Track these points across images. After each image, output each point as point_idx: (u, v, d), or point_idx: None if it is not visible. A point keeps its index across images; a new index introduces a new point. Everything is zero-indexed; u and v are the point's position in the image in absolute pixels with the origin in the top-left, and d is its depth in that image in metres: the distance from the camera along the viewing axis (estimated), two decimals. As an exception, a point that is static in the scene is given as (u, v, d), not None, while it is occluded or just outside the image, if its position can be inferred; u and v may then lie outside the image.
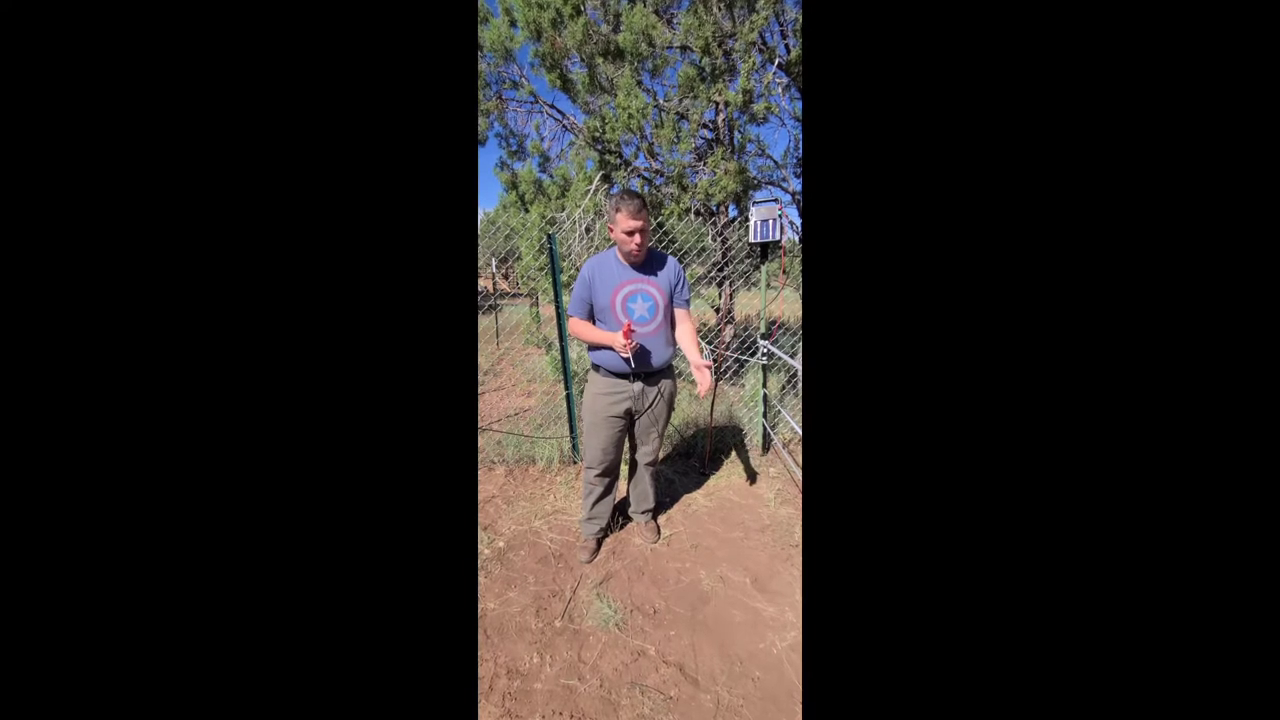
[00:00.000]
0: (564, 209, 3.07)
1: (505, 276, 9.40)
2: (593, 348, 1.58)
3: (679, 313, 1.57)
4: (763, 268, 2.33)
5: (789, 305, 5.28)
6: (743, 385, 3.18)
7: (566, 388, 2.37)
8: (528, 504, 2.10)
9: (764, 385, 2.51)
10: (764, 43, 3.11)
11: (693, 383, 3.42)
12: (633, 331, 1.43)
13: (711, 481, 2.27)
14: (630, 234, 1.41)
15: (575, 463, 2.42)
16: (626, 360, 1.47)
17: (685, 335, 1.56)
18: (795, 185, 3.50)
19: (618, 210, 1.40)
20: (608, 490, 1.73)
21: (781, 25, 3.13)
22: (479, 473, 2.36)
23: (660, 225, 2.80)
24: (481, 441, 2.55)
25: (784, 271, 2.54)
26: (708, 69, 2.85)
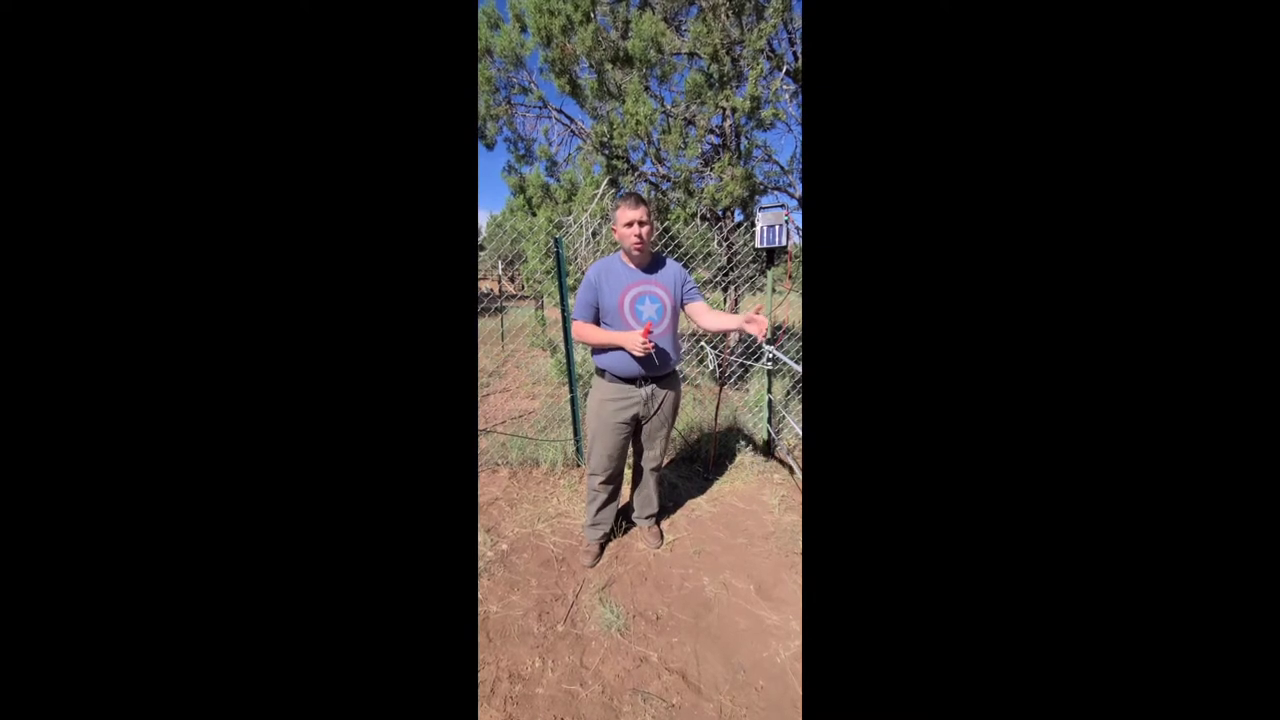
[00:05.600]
0: (571, 213, 3.09)
1: (511, 279, 9.45)
2: (597, 352, 1.58)
3: (695, 305, 1.55)
4: (768, 273, 2.33)
5: (794, 310, 5.27)
6: (747, 390, 3.16)
7: (571, 390, 2.37)
8: (531, 507, 2.10)
9: (769, 390, 2.50)
10: (772, 50, 3.13)
11: (697, 386, 3.43)
12: (652, 332, 1.42)
13: (715, 487, 2.26)
14: (629, 225, 1.43)
15: (579, 466, 2.41)
16: (645, 359, 1.44)
17: (714, 318, 1.51)
18: (801, 190, 3.50)
19: (616, 208, 1.47)
20: (612, 496, 1.73)
21: (790, 33, 3.14)
22: (483, 475, 2.36)
23: (666, 230, 2.81)
24: (486, 443, 2.56)
25: (790, 277, 2.54)
26: (715, 75, 2.86)
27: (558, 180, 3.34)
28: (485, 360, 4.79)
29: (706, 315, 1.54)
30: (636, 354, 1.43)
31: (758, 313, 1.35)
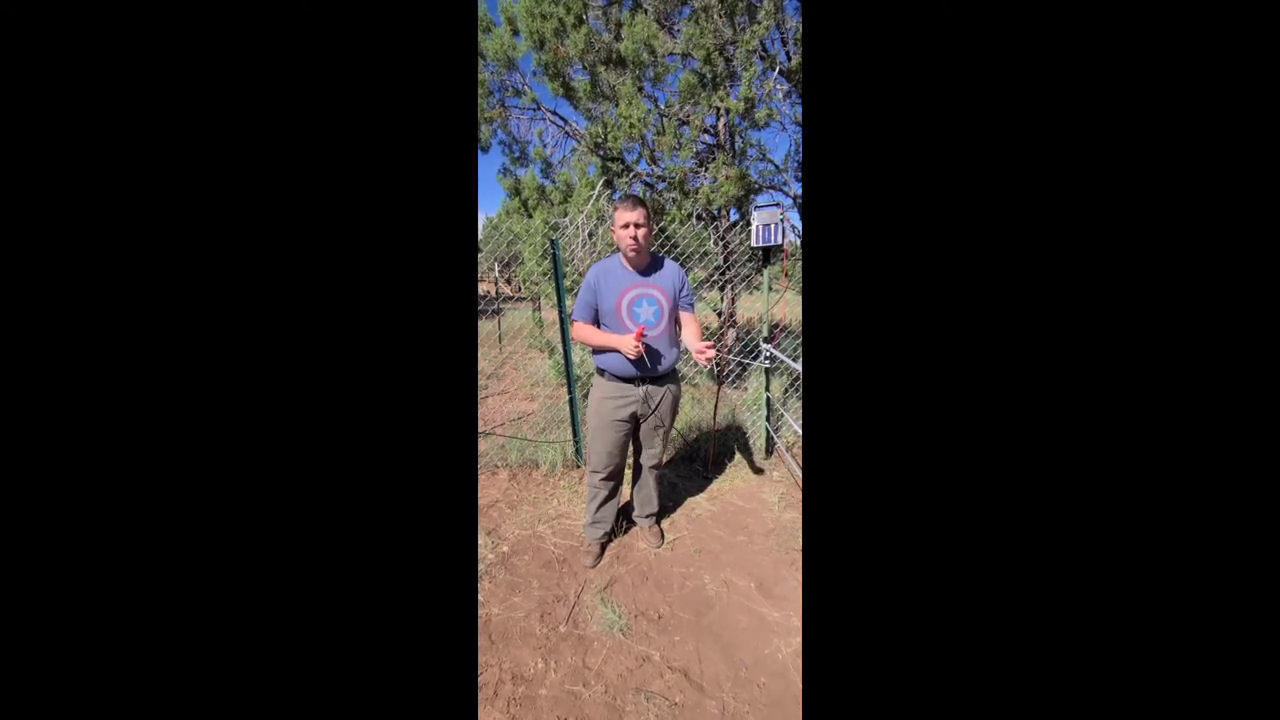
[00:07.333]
0: (567, 214, 3.09)
1: (508, 281, 9.44)
2: (597, 351, 1.58)
3: (685, 315, 1.61)
4: (765, 271, 2.34)
5: (791, 308, 5.28)
6: (745, 388, 3.17)
7: (569, 391, 2.37)
8: (531, 508, 2.10)
9: (767, 388, 2.51)
10: (765, 50, 3.14)
11: (696, 385, 3.44)
12: (644, 336, 1.45)
13: (715, 485, 2.26)
14: (625, 227, 1.45)
15: (578, 467, 2.42)
16: (638, 360, 1.48)
17: (687, 333, 1.60)
18: (796, 189, 3.51)
19: (615, 210, 1.49)
20: (612, 494, 1.73)
21: (782, 33, 3.15)
22: (483, 477, 2.36)
23: (662, 230, 2.82)
24: (485, 445, 2.55)
25: (786, 275, 2.55)
26: (709, 76, 2.87)
27: (553, 182, 3.33)
28: (483, 362, 4.78)
29: (686, 329, 1.61)
30: (629, 356, 1.45)
31: (710, 347, 1.39)
